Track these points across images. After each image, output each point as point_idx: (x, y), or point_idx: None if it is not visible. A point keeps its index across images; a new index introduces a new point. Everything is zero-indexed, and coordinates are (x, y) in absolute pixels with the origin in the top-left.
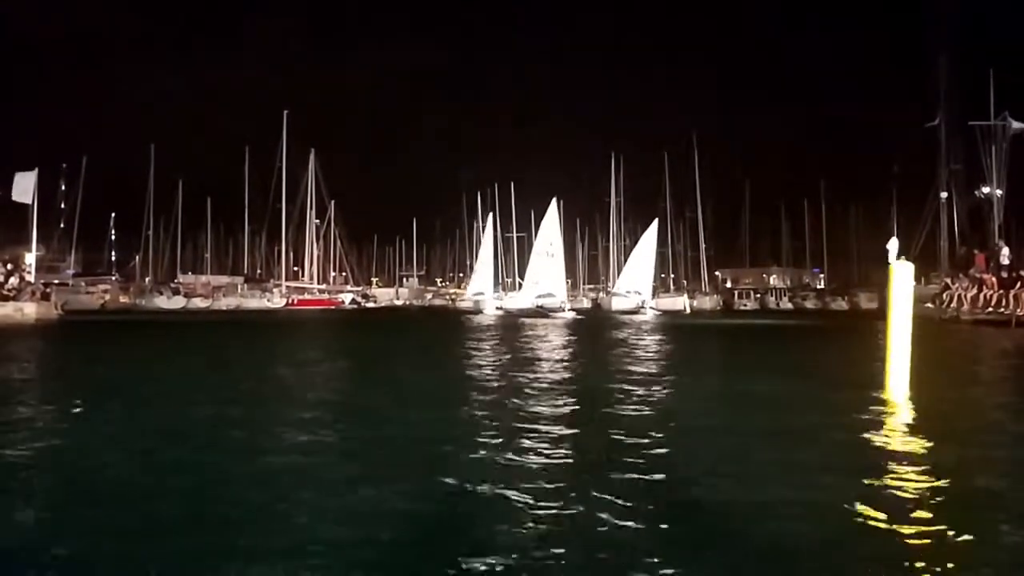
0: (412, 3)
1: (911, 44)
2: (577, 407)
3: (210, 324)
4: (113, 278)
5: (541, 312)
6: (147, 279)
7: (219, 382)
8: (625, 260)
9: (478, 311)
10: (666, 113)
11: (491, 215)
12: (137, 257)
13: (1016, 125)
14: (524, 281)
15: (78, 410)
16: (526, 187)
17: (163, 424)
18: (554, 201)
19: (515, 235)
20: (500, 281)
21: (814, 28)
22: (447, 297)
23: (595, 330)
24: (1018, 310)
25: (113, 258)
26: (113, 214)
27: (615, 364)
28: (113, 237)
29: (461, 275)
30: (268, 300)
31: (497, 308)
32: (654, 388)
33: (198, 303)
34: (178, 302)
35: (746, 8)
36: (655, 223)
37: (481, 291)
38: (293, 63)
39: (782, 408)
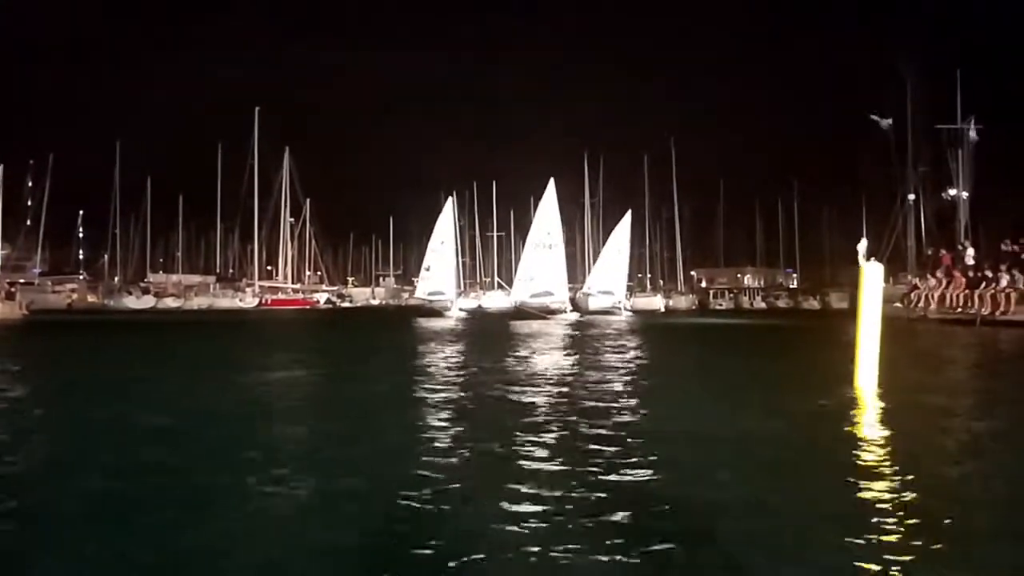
0: (388, 2)
1: (882, 47)
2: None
3: (179, 324)
4: (81, 277)
5: (536, 312)
6: (116, 278)
7: (160, 387)
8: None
9: (441, 311)
10: (644, 114)
11: (449, 201)
12: (106, 256)
13: (973, 135)
14: (516, 277)
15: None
16: (504, 187)
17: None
18: (551, 183)
19: (495, 234)
20: (479, 280)
21: (791, 31)
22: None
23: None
24: (983, 309)
25: (81, 257)
26: (81, 212)
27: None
28: (81, 235)
29: None
30: (241, 300)
31: (461, 309)
32: (637, 392)
33: (169, 303)
34: (148, 302)
35: (722, 11)
36: (628, 215)
37: (440, 290)
38: (266, 60)
39: (754, 407)
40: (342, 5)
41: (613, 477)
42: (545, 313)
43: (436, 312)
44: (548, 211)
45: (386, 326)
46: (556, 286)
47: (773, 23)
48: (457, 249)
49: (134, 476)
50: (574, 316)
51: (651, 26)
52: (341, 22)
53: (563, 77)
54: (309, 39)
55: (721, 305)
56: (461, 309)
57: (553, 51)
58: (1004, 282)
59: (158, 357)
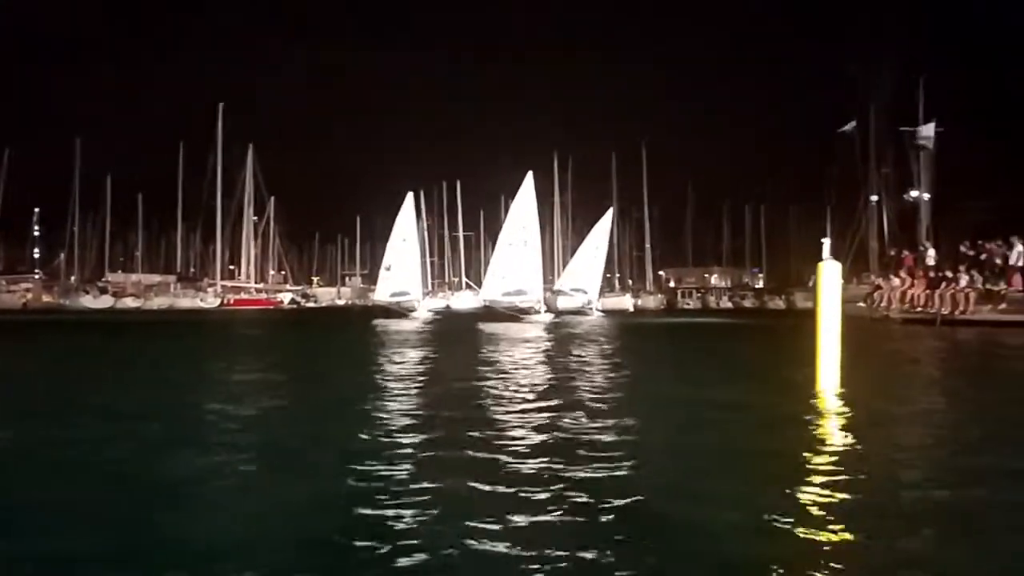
0: (354, 0)
1: (846, 50)
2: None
3: (133, 325)
4: (36, 276)
5: (508, 313)
6: (73, 277)
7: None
8: (572, 257)
9: (407, 311)
10: (614, 114)
11: (409, 197)
12: (62, 255)
13: (922, 140)
14: (488, 275)
15: None
16: (474, 187)
17: None
18: (529, 175)
19: (462, 234)
20: (448, 280)
21: (758, 35)
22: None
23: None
24: (943, 309)
25: (37, 255)
26: (37, 209)
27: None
28: (37, 234)
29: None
30: (202, 300)
31: (429, 310)
32: (609, 390)
33: (128, 303)
34: (106, 302)
35: (693, 16)
36: (609, 212)
37: (404, 290)
38: (231, 57)
39: (719, 407)
40: (308, 2)
41: (582, 479)
42: (517, 313)
43: (400, 313)
44: (524, 206)
45: (348, 328)
46: (530, 285)
47: (740, 27)
48: (425, 248)
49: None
50: (548, 317)
51: (620, 28)
52: (306, 19)
53: (533, 78)
54: (274, 36)
55: (689, 305)
56: (428, 310)
57: (522, 51)
58: (964, 282)
59: (103, 358)
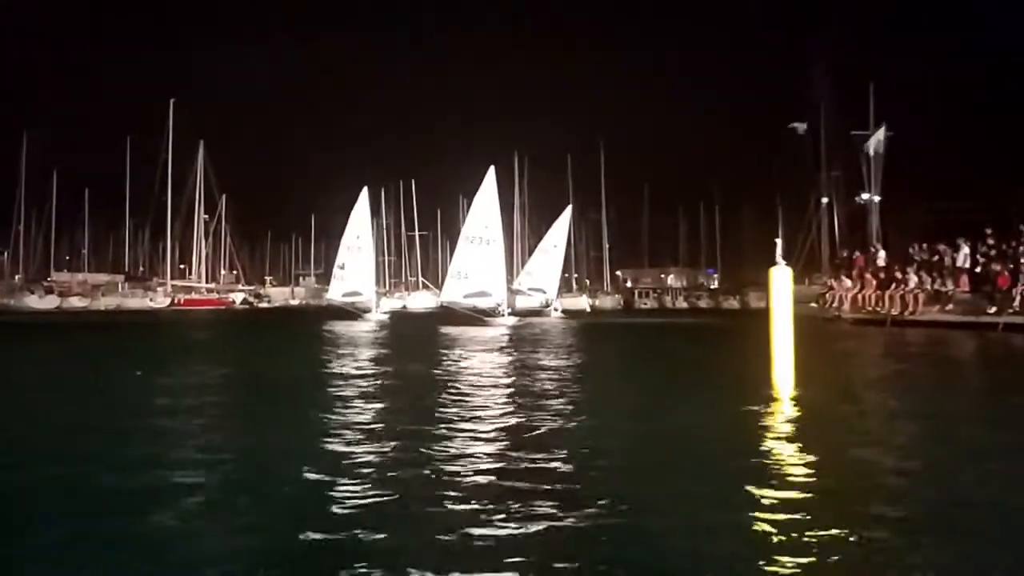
0: None
1: (798, 53)
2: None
3: (76, 326)
4: None
5: (469, 314)
6: (17, 277)
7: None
8: (530, 257)
9: (361, 312)
10: (570, 114)
11: (363, 193)
12: (6, 253)
13: (872, 145)
14: (448, 274)
15: None
16: (429, 185)
17: None
18: (491, 170)
19: (418, 233)
20: (404, 280)
21: (712, 38)
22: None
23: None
24: (892, 310)
25: None
26: None
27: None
28: None
29: None
30: (151, 300)
31: (384, 313)
32: (564, 392)
33: (74, 303)
34: (51, 302)
35: (645, 18)
36: (568, 210)
37: (357, 290)
38: (183, 51)
39: (676, 407)
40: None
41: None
42: (478, 315)
43: (354, 314)
44: (487, 202)
45: (296, 330)
46: (493, 286)
47: (694, 29)
48: (384, 247)
49: None
50: (512, 320)
51: (575, 30)
52: (262, 14)
53: (491, 76)
54: (228, 31)
55: (646, 305)
56: (384, 312)
57: (480, 50)
58: (912, 283)
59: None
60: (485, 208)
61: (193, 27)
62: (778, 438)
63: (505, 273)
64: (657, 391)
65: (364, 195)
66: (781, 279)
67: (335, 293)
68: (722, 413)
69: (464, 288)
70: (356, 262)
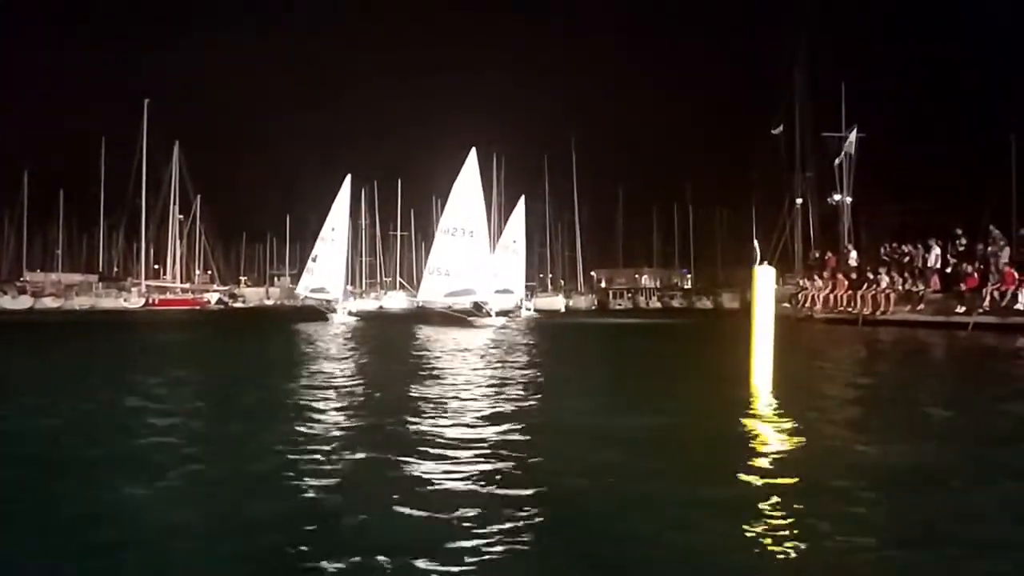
0: None
1: (773, 55)
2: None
3: (55, 326)
4: None
5: (451, 315)
6: None
7: None
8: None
9: (328, 313)
10: (546, 114)
11: (346, 182)
12: None
13: (844, 149)
14: (426, 271)
15: None
16: (404, 185)
17: None
18: (472, 153)
19: (399, 233)
20: (380, 280)
21: (688, 39)
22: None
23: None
24: (864, 309)
25: None
26: None
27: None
28: None
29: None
30: (125, 300)
31: (351, 313)
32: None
33: (48, 303)
34: (24, 302)
35: (620, 19)
36: (522, 200)
37: (323, 287)
38: (158, 50)
39: (664, 408)
40: None
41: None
42: (461, 315)
43: (322, 314)
44: (468, 189)
45: (267, 330)
46: (477, 283)
47: (671, 31)
48: (361, 247)
49: None
50: (500, 320)
51: (549, 29)
52: (237, 13)
53: (466, 78)
54: (203, 30)
55: (620, 305)
56: (351, 312)
57: (455, 53)
58: (884, 283)
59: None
60: (466, 196)
61: (168, 26)
62: (757, 435)
63: (489, 268)
64: (636, 393)
65: (347, 184)
66: (764, 278)
67: (303, 287)
68: (699, 415)
69: (445, 286)
70: (327, 257)
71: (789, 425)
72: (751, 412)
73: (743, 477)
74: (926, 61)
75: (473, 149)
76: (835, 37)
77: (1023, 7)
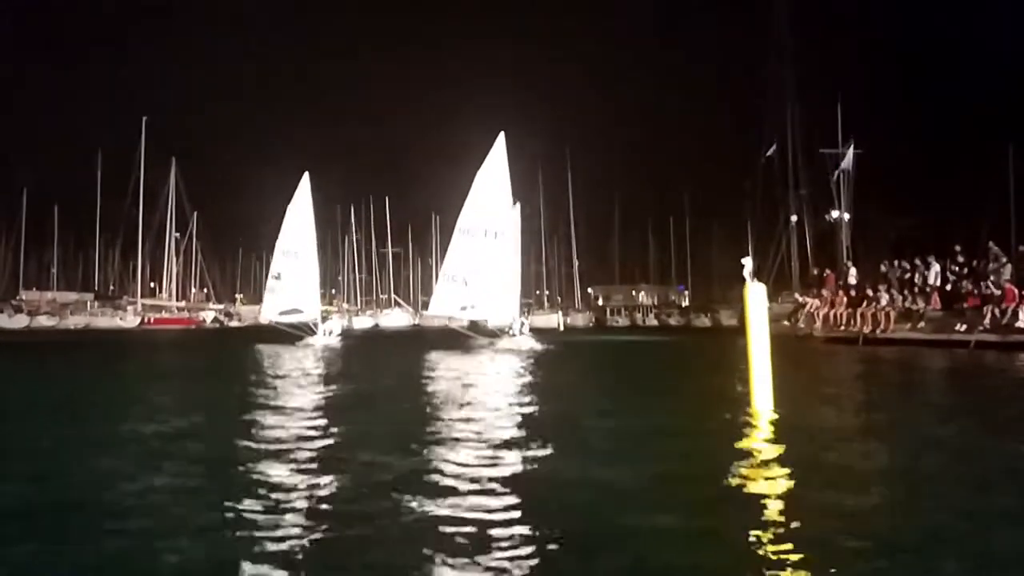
0: (281, 5)
1: (769, 70)
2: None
3: (49, 345)
4: None
5: (465, 334)
6: None
7: None
8: None
9: (305, 334)
10: (540, 126)
11: (304, 179)
12: None
13: (842, 165)
14: (440, 276)
15: None
16: (401, 201)
17: None
18: (501, 136)
19: (390, 250)
20: (376, 298)
21: (685, 52)
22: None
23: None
24: (864, 328)
25: None
26: None
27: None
28: None
29: (333, 291)
30: (121, 319)
31: (331, 334)
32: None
33: (43, 322)
34: (20, 321)
35: (617, 30)
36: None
37: (296, 307)
38: (154, 67)
39: (668, 430)
40: (236, 8)
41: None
42: (477, 334)
43: (296, 337)
44: (494, 180)
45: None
46: (502, 295)
47: (669, 43)
48: (355, 264)
49: None
50: (530, 343)
51: (544, 39)
52: (232, 28)
53: (457, 87)
54: (198, 45)
55: (618, 322)
56: (330, 332)
57: (449, 62)
58: (884, 301)
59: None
60: (493, 189)
61: (166, 44)
62: (761, 457)
63: (520, 276)
64: (638, 413)
65: (305, 181)
66: (755, 295)
67: (269, 311)
68: (705, 435)
69: (461, 298)
70: (294, 272)
71: (787, 448)
72: (752, 433)
73: (745, 515)
74: (922, 73)
75: (502, 133)
76: (832, 50)
77: (1021, 16)
